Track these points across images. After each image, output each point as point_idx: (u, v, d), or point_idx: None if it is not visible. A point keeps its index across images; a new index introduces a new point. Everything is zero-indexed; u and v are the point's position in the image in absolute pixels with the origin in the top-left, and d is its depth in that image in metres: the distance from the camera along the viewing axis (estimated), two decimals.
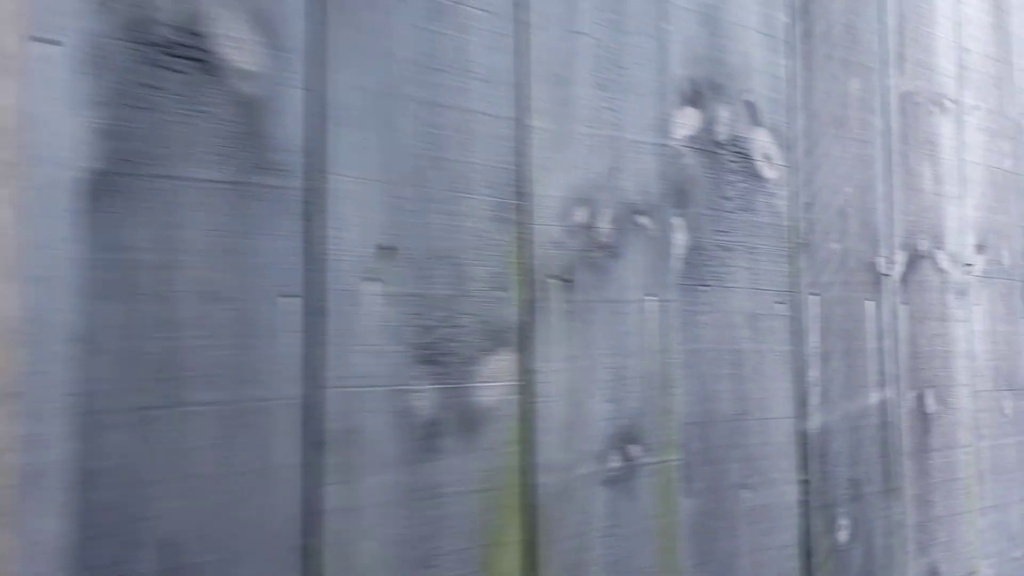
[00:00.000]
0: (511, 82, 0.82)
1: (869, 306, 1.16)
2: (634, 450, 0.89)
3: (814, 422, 1.07)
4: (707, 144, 0.99)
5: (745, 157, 1.02)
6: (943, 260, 1.28)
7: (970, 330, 1.31)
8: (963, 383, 1.29)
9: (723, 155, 1.00)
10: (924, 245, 1.25)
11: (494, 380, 0.78)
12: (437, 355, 0.75)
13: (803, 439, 1.06)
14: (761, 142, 1.04)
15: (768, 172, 1.05)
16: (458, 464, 0.76)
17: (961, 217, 1.31)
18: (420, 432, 0.74)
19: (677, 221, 0.95)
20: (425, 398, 0.74)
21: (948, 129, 1.30)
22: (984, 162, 1.37)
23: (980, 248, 1.34)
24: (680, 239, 0.95)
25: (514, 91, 0.82)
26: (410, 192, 0.74)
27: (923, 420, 1.22)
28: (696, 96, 0.98)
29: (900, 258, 1.21)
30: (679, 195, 0.95)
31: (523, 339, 0.81)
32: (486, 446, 0.78)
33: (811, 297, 1.09)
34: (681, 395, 0.93)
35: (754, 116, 1.04)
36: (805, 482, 1.05)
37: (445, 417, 0.75)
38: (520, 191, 0.82)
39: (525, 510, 0.80)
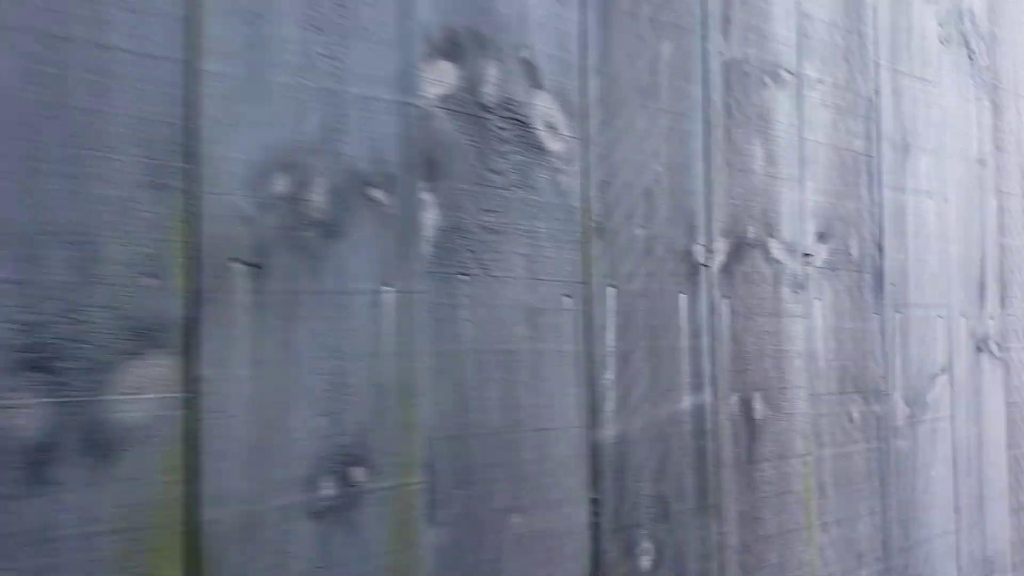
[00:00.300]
0: (175, 14, 0.65)
1: (682, 300, 1.02)
2: (357, 473, 0.73)
3: (609, 432, 0.93)
4: (469, 106, 0.83)
5: (521, 124, 0.87)
6: (776, 249, 1.15)
7: (809, 327, 1.19)
8: (799, 385, 1.16)
9: (491, 120, 0.85)
10: (753, 232, 1.12)
11: (140, 391, 0.62)
12: (49, 360, 0.58)
13: (595, 451, 0.91)
14: (543, 108, 0.89)
15: (552, 144, 0.90)
16: (82, 499, 0.59)
17: (800, 202, 1.19)
18: (19, 459, 0.57)
19: (427, 196, 0.79)
20: (29, 415, 0.57)
21: (785, 104, 1.18)
22: (830, 142, 1.25)
23: (822, 237, 1.22)
24: (431, 218, 0.80)
25: (181, 25, 0.65)
26: (6, 147, 0.57)
27: (749, 427, 1.09)
28: (453, 48, 0.82)
29: (722, 246, 1.08)
30: (429, 165, 0.80)
31: (188, 339, 0.64)
32: (127, 475, 0.61)
33: (608, 289, 0.94)
34: (429, 405, 0.78)
35: (533, 77, 0.89)
36: (596, 501, 0.91)
37: (62, 439, 0.58)
38: (188, 151, 0.65)
39: (189, 554, 0.64)
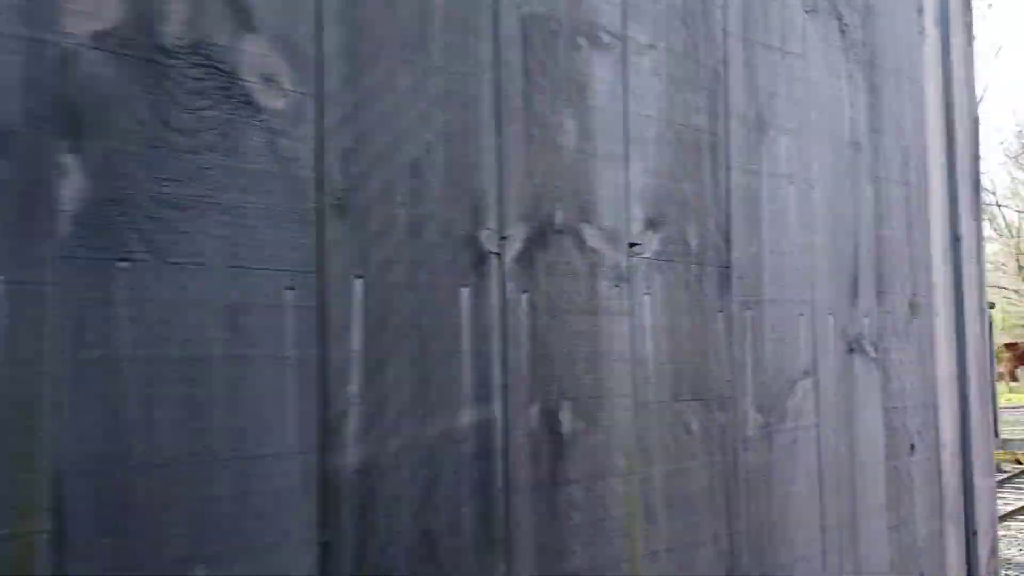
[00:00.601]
0: None
1: (464, 294, 0.86)
2: None
3: (351, 456, 0.76)
4: (139, 48, 0.66)
5: (222, 74, 0.70)
6: (592, 237, 0.99)
7: (636, 326, 1.03)
8: (622, 393, 1.00)
9: (175, 67, 0.67)
10: (561, 216, 0.96)
11: None
12: None
13: (329, 482, 0.74)
14: (257, 56, 0.72)
15: (270, 100, 0.73)
16: None
17: (624, 183, 1.03)
18: None
19: (68, 159, 0.62)
20: None
21: (606, 70, 1.02)
22: (664, 117, 1.09)
23: (653, 224, 1.07)
24: (73, 187, 0.62)
25: None
26: None
27: (554, 443, 0.93)
28: None
29: (520, 232, 0.91)
30: (72, 119, 0.62)
31: None
32: None
33: (355, 281, 0.77)
34: (60, 431, 0.60)
35: (242, 18, 0.72)
36: (328, 544, 0.74)
37: None
38: None
39: None
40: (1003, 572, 4.70)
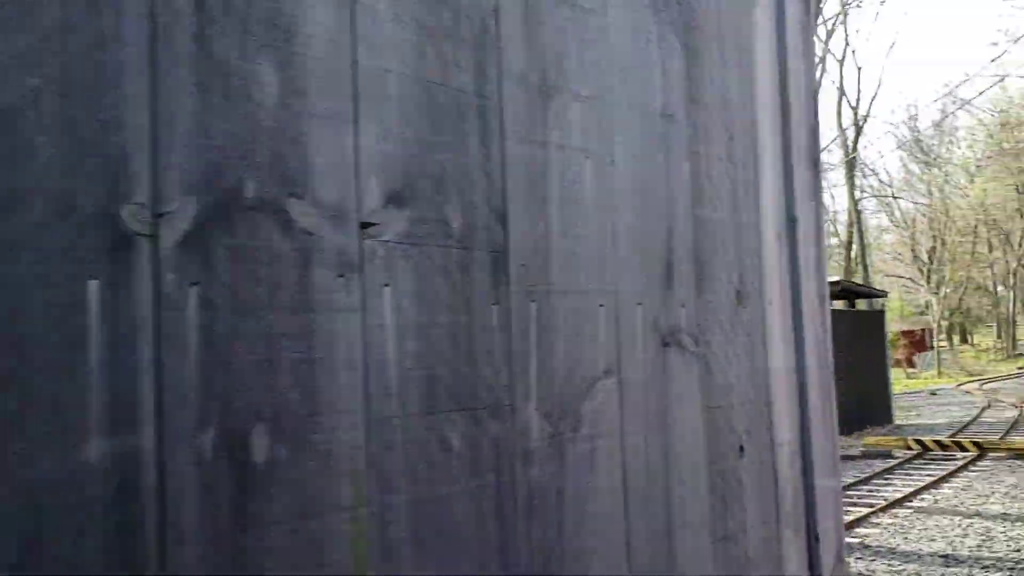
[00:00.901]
0: None
1: (93, 289, 0.66)
2: None
3: None
4: None
5: None
6: (304, 215, 0.80)
7: (371, 324, 0.85)
8: (348, 408, 0.82)
9: None
10: (254, 188, 0.77)
11: None
12: None
13: None
14: None
15: None
16: None
17: (352, 150, 0.85)
18: None
19: None
20: None
21: (324, 12, 0.84)
22: (411, 73, 0.91)
23: (397, 200, 0.88)
24: None
25: None
26: None
27: (241, 476, 0.73)
28: None
29: (187, 207, 0.72)
30: None
31: None
32: None
33: None
34: None
35: None
36: None
37: None
38: None
39: None
40: (887, 562, 4.71)
